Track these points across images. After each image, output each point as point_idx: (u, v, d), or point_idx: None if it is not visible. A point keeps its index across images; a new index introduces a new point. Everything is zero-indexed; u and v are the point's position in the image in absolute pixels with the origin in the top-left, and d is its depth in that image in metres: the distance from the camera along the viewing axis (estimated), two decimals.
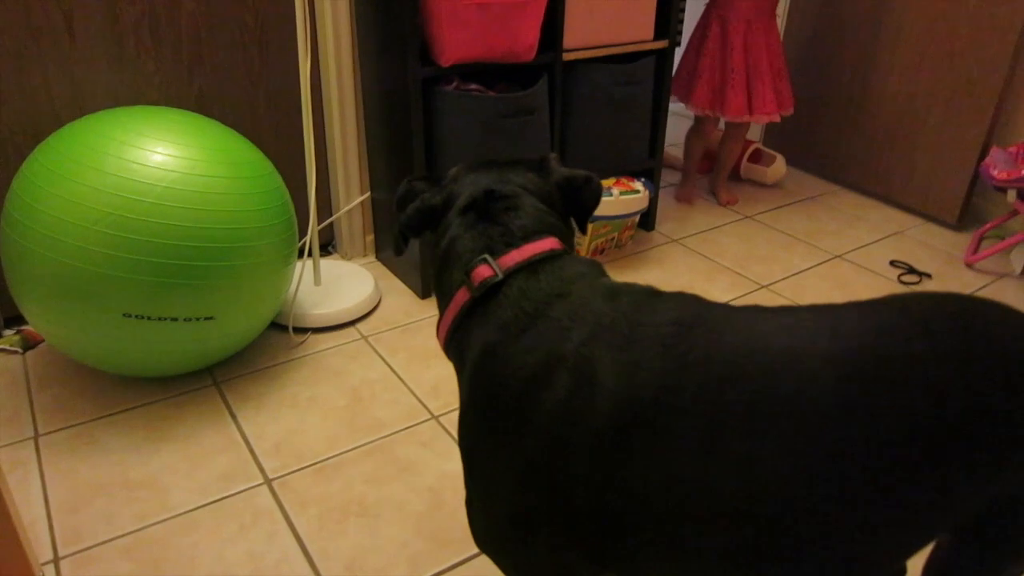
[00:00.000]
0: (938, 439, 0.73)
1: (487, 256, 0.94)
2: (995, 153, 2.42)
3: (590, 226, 2.30)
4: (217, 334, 1.65)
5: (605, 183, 2.31)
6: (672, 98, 2.64)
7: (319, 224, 2.24)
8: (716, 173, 2.89)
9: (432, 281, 1.06)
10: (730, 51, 2.52)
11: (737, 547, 0.77)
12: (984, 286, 2.39)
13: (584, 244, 2.35)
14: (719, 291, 2.27)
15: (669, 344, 0.81)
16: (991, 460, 0.75)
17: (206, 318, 1.60)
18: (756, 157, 3.04)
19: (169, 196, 1.50)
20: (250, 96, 2.07)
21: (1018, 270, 2.45)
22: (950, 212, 2.70)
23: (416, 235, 1.05)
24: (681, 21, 2.35)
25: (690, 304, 0.87)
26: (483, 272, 0.93)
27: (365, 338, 1.99)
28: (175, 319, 1.56)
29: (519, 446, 0.86)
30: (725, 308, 0.86)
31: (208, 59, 1.98)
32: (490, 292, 0.92)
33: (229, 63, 2.01)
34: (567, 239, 1.01)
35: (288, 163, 2.19)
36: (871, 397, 0.74)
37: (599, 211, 2.26)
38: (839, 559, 0.77)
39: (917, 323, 0.78)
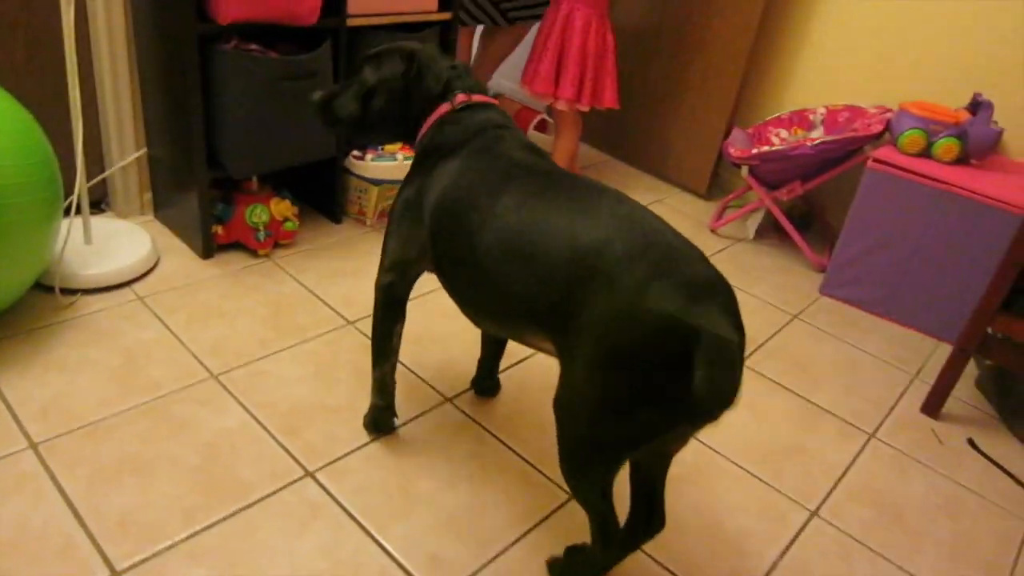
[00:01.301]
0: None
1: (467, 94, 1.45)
2: (735, 133, 2.76)
3: (377, 189, 2.38)
4: None
5: (390, 148, 2.39)
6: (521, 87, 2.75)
7: (90, 181, 2.14)
8: None
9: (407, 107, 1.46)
10: (569, 40, 2.61)
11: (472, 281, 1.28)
12: (724, 248, 2.75)
13: (370, 208, 2.42)
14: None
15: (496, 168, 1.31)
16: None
17: None
18: (541, 127, 3.24)
19: None
20: (7, 42, 1.93)
21: (751, 235, 2.83)
22: (700, 184, 3.05)
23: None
24: None
25: (532, 163, 1.33)
26: (461, 99, 1.43)
27: (141, 299, 1.96)
28: None
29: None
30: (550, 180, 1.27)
31: None
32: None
33: None
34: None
35: (54, 117, 2.06)
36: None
37: (385, 175, 2.34)
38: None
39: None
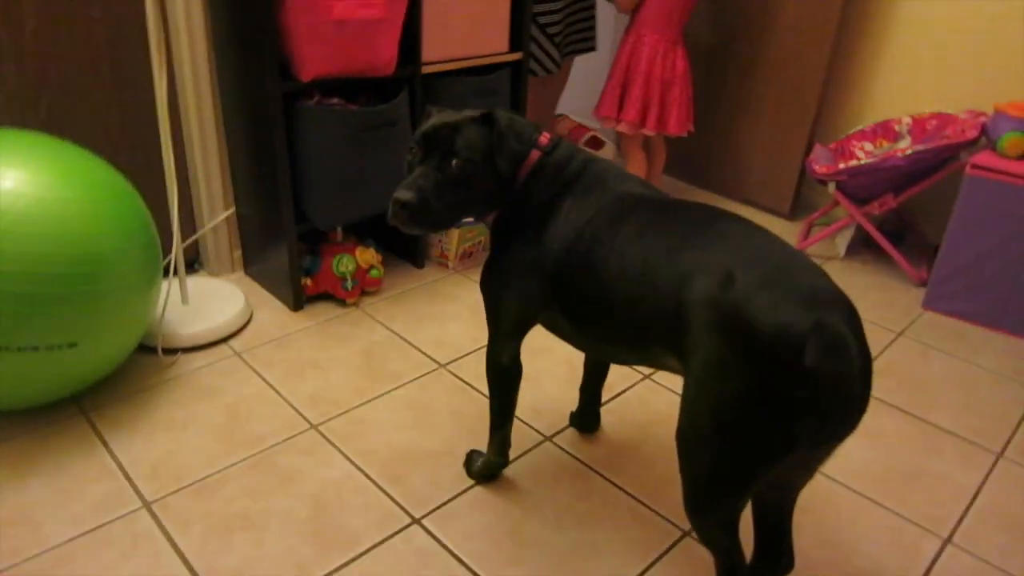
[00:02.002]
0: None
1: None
2: (818, 150, 2.69)
3: (458, 231, 2.38)
4: (80, 361, 1.62)
5: None
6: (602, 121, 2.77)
7: (183, 242, 2.21)
8: None
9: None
10: (636, 65, 2.65)
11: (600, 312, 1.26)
12: None
13: (451, 251, 2.43)
14: None
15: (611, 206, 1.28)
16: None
17: (68, 345, 1.56)
18: (593, 143, 3.31)
19: (22, 222, 1.46)
20: (103, 114, 2.02)
21: (842, 253, 2.73)
22: (783, 203, 2.96)
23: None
24: None
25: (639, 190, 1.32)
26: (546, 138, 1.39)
27: (238, 354, 1.99)
28: (35, 348, 1.52)
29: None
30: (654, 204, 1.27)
31: (55, 77, 1.91)
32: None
33: (79, 81, 1.95)
34: None
35: (148, 182, 2.13)
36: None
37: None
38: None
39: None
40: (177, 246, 1.96)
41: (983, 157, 2.23)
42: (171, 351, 1.96)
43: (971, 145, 2.34)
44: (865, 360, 1.04)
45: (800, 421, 1.01)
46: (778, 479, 1.16)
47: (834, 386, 0.99)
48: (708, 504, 1.15)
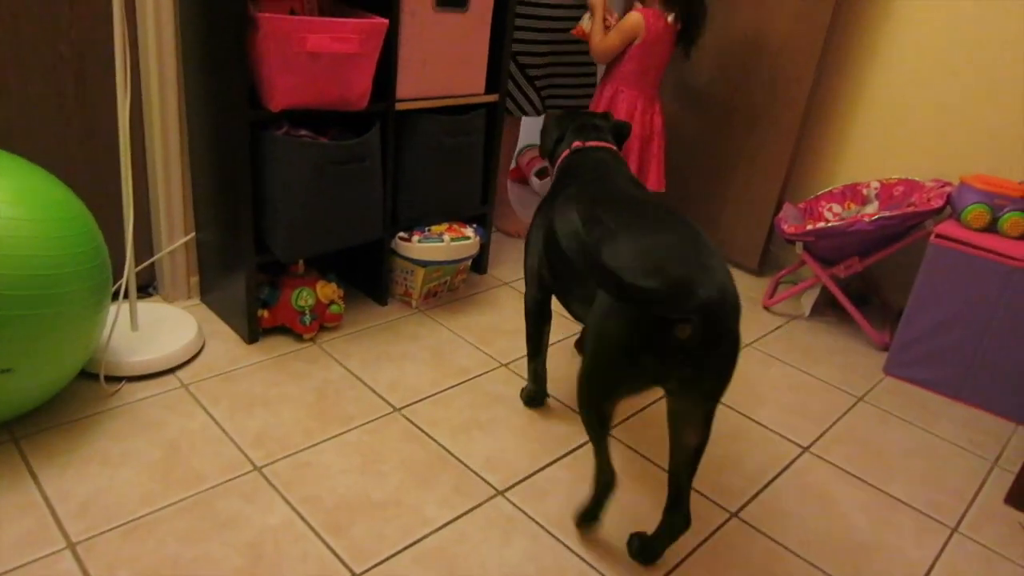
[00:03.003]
0: None
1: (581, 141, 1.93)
2: (787, 209, 2.70)
3: (423, 270, 2.34)
4: (15, 387, 1.54)
5: (436, 229, 2.36)
6: None
7: (138, 266, 2.14)
8: None
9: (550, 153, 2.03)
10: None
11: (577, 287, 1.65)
12: (779, 326, 2.65)
13: (416, 289, 2.39)
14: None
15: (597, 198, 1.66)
16: None
17: (2, 371, 1.49)
18: (543, 174, 3.41)
19: None
20: (61, 131, 1.96)
21: (807, 312, 2.73)
22: (752, 260, 2.97)
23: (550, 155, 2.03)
24: None
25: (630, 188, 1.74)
26: (577, 146, 1.92)
27: (185, 386, 1.92)
28: None
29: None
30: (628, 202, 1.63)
31: (15, 89, 1.85)
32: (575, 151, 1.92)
33: (38, 94, 1.89)
34: (616, 146, 1.96)
35: (105, 202, 2.07)
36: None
37: (431, 256, 2.31)
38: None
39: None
40: (130, 270, 1.90)
41: (947, 227, 2.25)
42: (115, 379, 1.89)
43: (936, 214, 2.36)
44: (721, 326, 1.34)
45: (652, 354, 1.35)
46: (673, 436, 1.51)
47: (693, 336, 1.30)
48: (586, 397, 1.50)
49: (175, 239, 2.19)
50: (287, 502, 1.60)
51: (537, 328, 1.95)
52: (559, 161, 1.93)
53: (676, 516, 1.53)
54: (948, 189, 2.40)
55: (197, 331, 2.06)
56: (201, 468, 1.66)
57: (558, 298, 1.81)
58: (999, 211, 2.21)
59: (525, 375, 2.15)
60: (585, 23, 2.65)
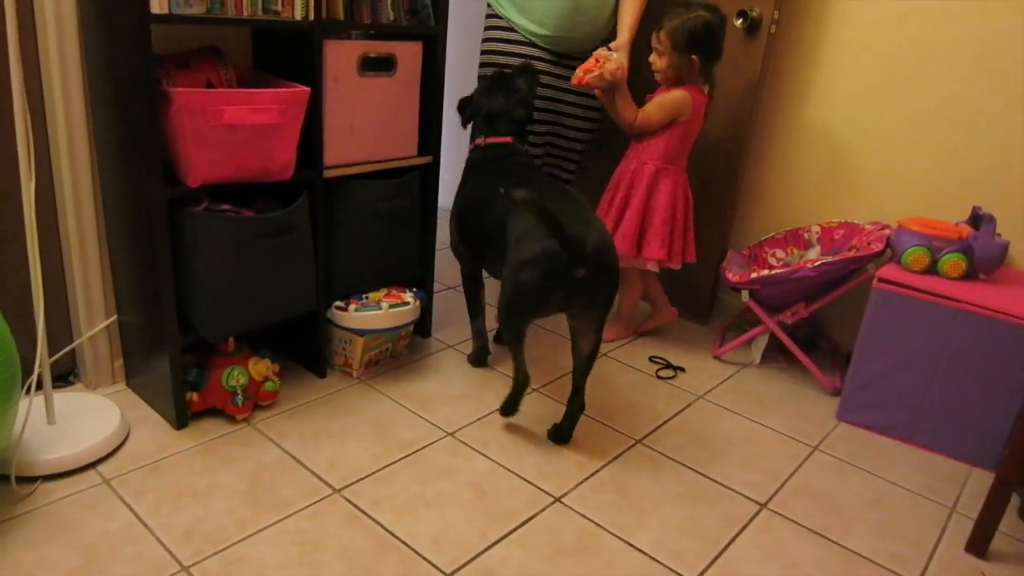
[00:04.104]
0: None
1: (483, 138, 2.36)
2: (731, 256, 2.69)
3: (362, 339, 2.26)
4: None
5: (375, 296, 2.29)
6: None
7: (56, 353, 2.02)
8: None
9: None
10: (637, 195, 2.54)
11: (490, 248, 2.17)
12: (731, 375, 2.61)
13: (356, 359, 2.30)
14: (493, 397, 2.30)
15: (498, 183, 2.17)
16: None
17: None
18: None
19: None
20: None
21: (757, 359, 2.70)
22: (699, 309, 2.94)
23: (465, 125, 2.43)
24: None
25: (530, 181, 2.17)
26: (479, 143, 2.36)
27: (107, 481, 1.79)
28: None
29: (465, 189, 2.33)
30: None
31: None
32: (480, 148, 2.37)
33: None
34: (518, 135, 2.36)
35: (16, 291, 1.96)
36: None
37: (370, 325, 2.23)
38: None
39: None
40: (43, 361, 1.78)
41: (888, 270, 2.25)
42: (28, 480, 1.76)
43: (877, 257, 2.37)
44: (605, 267, 1.91)
45: (559, 291, 1.91)
46: (574, 346, 2.08)
47: (585, 272, 1.87)
48: (509, 324, 2.03)
49: (95, 323, 2.08)
50: None
51: (473, 294, 2.46)
52: (468, 154, 2.37)
53: (575, 403, 2.10)
54: (887, 232, 2.41)
55: (120, 420, 1.94)
56: (122, 574, 1.54)
57: (479, 263, 2.35)
58: (938, 253, 2.21)
59: (473, 444, 2.07)
60: (590, 77, 2.37)
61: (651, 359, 2.65)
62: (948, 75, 2.45)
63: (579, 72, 2.39)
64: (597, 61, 2.37)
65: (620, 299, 2.80)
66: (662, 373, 2.57)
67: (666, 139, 2.49)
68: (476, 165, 2.32)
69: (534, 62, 2.50)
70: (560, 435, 2.12)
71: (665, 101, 2.45)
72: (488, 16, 2.67)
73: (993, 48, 2.36)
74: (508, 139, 2.31)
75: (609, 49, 2.41)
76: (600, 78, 2.36)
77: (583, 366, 2.07)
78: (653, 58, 2.46)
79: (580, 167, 2.86)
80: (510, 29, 2.59)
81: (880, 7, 2.53)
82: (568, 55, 2.58)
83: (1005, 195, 2.41)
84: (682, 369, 2.61)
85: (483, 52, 2.66)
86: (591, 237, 1.86)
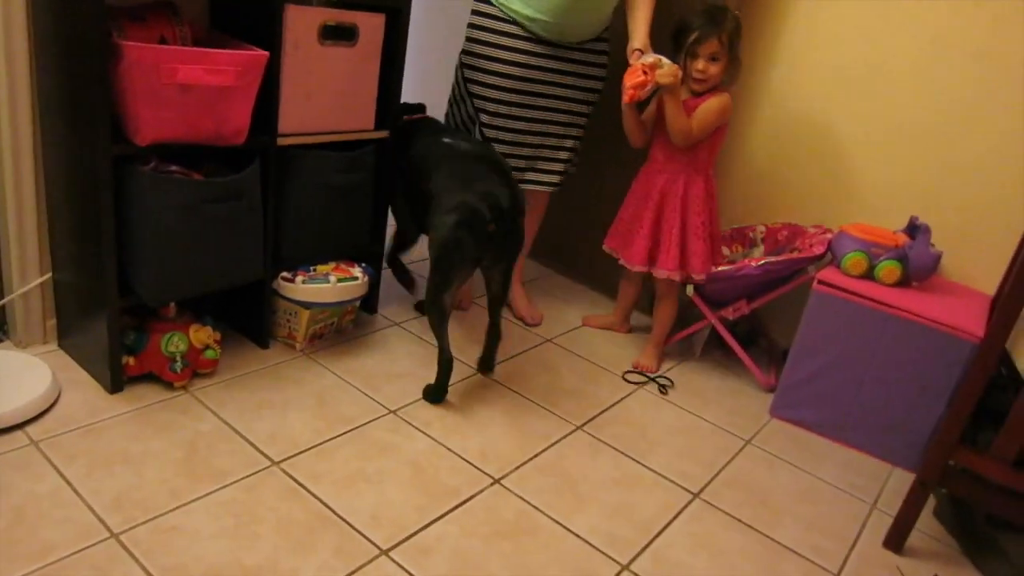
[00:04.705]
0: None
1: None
2: None
3: (308, 312, 2.23)
4: None
5: (323, 269, 2.26)
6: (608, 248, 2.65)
7: None
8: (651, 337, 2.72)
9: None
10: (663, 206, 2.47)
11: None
12: (672, 367, 2.67)
13: (300, 332, 2.27)
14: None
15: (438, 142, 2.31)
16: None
17: None
18: None
19: None
20: None
21: (698, 353, 2.76)
22: (643, 302, 2.98)
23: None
24: None
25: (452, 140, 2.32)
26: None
27: (35, 443, 1.74)
28: None
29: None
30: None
31: None
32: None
33: None
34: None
35: None
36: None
37: (316, 298, 2.21)
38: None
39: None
40: None
41: (828, 273, 2.32)
42: None
43: (818, 260, 2.44)
44: (515, 222, 2.14)
45: (479, 247, 2.09)
46: (488, 289, 2.32)
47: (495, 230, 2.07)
48: (429, 293, 2.14)
49: (29, 279, 2.00)
50: (147, 573, 1.46)
51: (393, 248, 2.60)
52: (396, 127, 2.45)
53: (493, 334, 2.33)
54: (829, 236, 2.48)
55: (51, 380, 1.88)
56: (50, 537, 1.49)
57: (412, 219, 2.45)
58: (875, 259, 2.29)
59: (415, 423, 2.07)
60: (645, 92, 2.27)
61: (627, 375, 2.58)
62: (896, 89, 2.53)
63: (628, 89, 2.24)
64: (645, 73, 2.22)
65: (658, 320, 2.67)
66: (630, 377, 2.56)
67: (711, 147, 2.42)
68: (411, 131, 2.42)
69: (527, 56, 2.40)
70: (485, 364, 2.38)
71: (723, 107, 2.34)
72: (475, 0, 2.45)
73: (938, 65, 2.44)
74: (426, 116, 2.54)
75: (639, 52, 2.32)
76: (653, 89, 2.28)
77: (496, 304, 2.31)
78: (704, 65, 2.30)
79: (573, 164, 2.71)
80: (499, 18, 2.38)
81: (839, 20, 2.59)
82: (562, 43, 2.41)
83: (941, 207, 2.51)
84: (669, 381, 2.62)
85: (468, 40, 2.45)
86: (503, 194, 2.07)
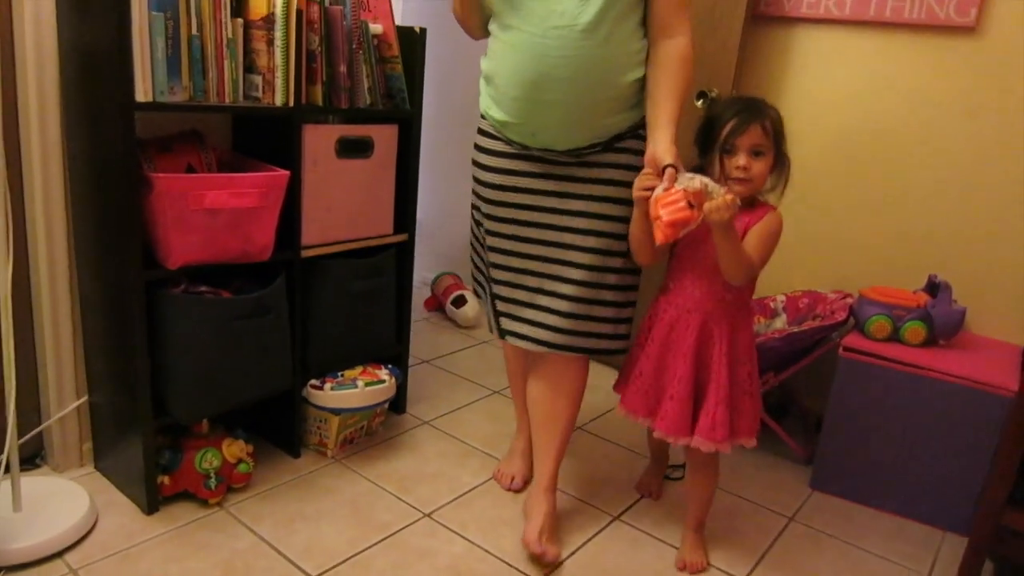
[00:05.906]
0: None
1: None
2: None
3: (338, 418, 2.24)
4: None
5: (350, 374, 2.28)
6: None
7: (24, 436, 1.98)
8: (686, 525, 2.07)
9: None
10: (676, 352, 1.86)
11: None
12: None
13: (331, 439, 2.28)
14: (469, 475, 2.28)
15: None
16: None
17: None
18: (460, 302, 3.53)
19: None
20: None
21: None
22: None
23: None
24: None
25: None
26: None
27: (74, 572, 1.74)
28: None
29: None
30: None
31: None
32: None
33: None
34: None
35: None
36: None
37: (345, 404, 2.22)
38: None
39: None
40: (11, 445, 1.74)
41: (853, 339, 2.31)
42: None
43: (841, 326, 2.43)
44: None
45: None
46: None
47: None
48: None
49: (65, 404, 2.04)
50: None
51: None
52: None
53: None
54: (850, 301, 2.49)
55: (89, 505, 1.89)
56: None
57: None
58: (899, 321, 2.29)
59: (451, 525, 2.05)
60: (688, 230, 1.63)
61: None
62: (897, 151, 2.58)
63: (664, 224, 1.58)
64: (691, 205, 1.58)
65: (696, 498, 2.02)
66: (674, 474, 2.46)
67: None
68: None
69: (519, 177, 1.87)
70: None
71: (780, 227, 1.80)
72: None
73: (934, 125, 2.50)
74: None
75: (675, 170, 1.63)
76: (702, 221, 1.62)
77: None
78: (746, 160, 1.73)
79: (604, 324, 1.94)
80: (489, 135, 1.90)
81: (833, 87, 2.67)
82: (554, 157, 1.82)
83: (958, 263, 2.51)
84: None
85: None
86: None
